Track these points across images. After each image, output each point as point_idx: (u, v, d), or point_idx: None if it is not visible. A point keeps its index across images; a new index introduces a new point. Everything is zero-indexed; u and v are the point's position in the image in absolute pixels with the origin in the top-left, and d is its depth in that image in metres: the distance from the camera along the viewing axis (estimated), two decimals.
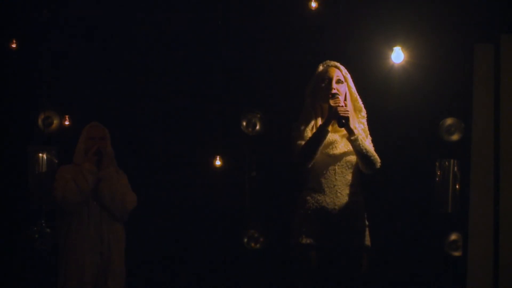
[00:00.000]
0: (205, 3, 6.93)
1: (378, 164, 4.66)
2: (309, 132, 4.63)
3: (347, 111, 4.54)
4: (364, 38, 6.60)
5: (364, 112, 4.78)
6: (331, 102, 4.54)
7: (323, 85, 4.68)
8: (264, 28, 6.92)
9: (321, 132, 4.55)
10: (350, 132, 4.56)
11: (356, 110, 4.77)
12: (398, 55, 6.39)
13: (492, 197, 6.31)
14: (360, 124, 4.71)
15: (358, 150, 4.56)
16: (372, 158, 4.61)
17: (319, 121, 4.67)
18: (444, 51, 6.60)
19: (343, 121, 4.50)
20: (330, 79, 4.66)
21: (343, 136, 4.68)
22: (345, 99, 4.66)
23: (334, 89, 4.62)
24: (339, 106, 4.51)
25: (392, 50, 6.40)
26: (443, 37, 6.56)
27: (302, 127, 4.68)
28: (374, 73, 6.55)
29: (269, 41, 6.96)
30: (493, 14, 6.45)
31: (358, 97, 4.78)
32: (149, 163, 7.05)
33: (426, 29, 6.54)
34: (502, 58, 6.34)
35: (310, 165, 4.59)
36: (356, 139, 4.54)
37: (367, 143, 4.66)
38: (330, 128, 4.59)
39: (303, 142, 4.61)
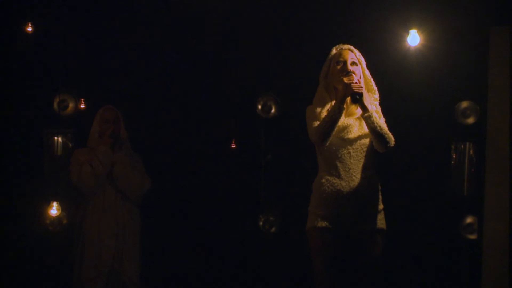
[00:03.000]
0: None
1: (392, 142, 4.64)
2: (324, 114, 4.63)
3: (361, 87, 4.53)
4: (380, 21, 6.56)
5: (377, 95, 4.78)
6: (345, 79, 4.54)
7: (338, 67, 4.67)
8: (279, 11, 6.89)
9: (336, 109, 4.54)
10: (364, 108, 4.56)
11: (370, 92, 4.76)
12: (414, 38, 6.38)
13: (508, 180, 6.29)
14: (372, 106, 4.70)
15: (372, 127, 4.56)
16: (385, 135, 4.59)
17: None
18: (460, 34, 6.57)
19: (357, 96, 4.50)
20: (345, 61, 4.66)
21: (358, 120, 4.67)
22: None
23: (350, 70, 4.62)
24: (352, 82, 4.51)
25: (408, 32, 6.38)
26: (459, 20, 6.52)
27: (318, 110, 4.67)
28: (390, 56, 6.53)
29: (284, 24, 6.93)
30: None
31: (371, 79, 4.77)
32: (164, 146, 7.06)
33: (442, 12, 6.50)
34: None
35: (327, 143, 4.58)
36: (370, 116, 4.54)
37: (381, 122, 4.66)
38: (344, 112, 4.59)
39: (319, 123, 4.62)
